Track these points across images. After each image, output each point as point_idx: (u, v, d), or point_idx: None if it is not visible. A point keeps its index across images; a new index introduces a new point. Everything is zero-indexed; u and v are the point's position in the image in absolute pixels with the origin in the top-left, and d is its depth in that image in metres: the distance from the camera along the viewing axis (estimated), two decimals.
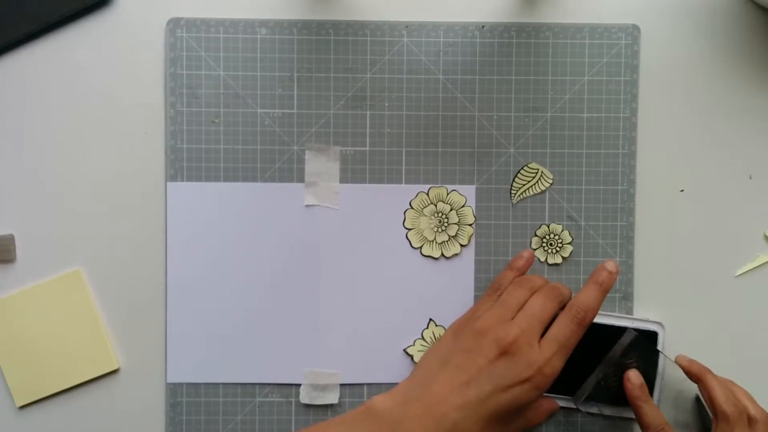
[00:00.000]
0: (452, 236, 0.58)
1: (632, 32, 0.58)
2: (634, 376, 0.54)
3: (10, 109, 0.57)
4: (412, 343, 0.58)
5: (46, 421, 0.58)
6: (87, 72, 0.58)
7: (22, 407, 0.57)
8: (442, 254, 0.58)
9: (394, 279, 0.58)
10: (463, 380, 0.49)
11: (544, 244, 0.58)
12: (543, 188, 0.58)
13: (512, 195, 0.58)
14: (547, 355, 0.49)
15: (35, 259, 0.57)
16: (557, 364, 0.50)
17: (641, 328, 0.57)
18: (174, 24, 0.57)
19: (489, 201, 0.58)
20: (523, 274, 0.56)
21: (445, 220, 0.58)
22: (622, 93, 0.58)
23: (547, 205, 0.58)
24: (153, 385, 0.58)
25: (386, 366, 0.58)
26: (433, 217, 0.58)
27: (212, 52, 0.57)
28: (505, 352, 0.49)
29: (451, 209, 0.58)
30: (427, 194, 0.58)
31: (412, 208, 0.58)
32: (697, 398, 0.57)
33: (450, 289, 0.58)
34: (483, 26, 0.58)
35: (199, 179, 0.57)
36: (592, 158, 0.58)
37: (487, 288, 0.56)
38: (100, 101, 0.58)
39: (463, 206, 0.58)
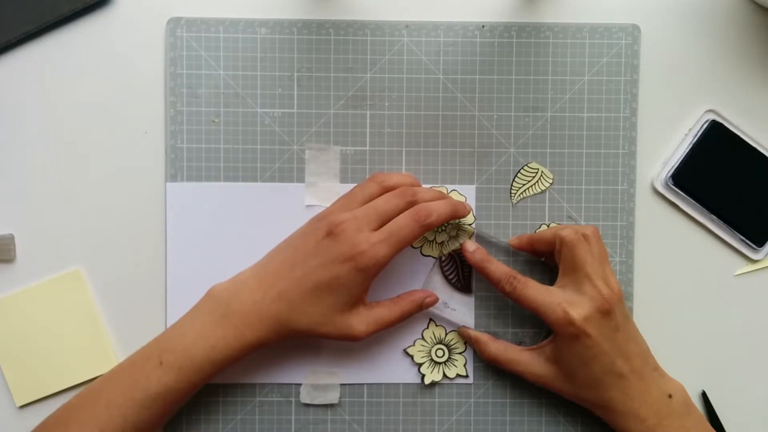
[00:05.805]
0: (452, 236, 0.58)
1: (632, 32, 0.58)
2: (470, 245, 0.56)
3: (10, 108, 0.57)
4: (412, 344, 0.58)
5: None
6: (87, 71, 0.58)
7: (22, 407, 0.57)
8: (442, 253, 0.58)
9: (393, 278, 0.57)
10: (295, 258, 0.53)
11: None
12: (543, 188, 0.58)
13: (512, 195, 0.58)
14: (374, 240, 0.52)
15: (35, 259, 0.57)
16: (382, 251, 0.51)
17: None
18: (174, 24, 0.57)
19: (489, 201, 0.58)
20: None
21: None
22: (622, 93, 0.58)
23: (547, 204, 0.58)
24: None
25: (386, 366, 0.58)
26: None
27: (212, 51, 0.57)
28: (331, 232, 0.52)
29: None
30: None
31: None
32: None
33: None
34: (483, 26, 0.58)
35: (199, 179, 0.57)
36: (592, 158, 0.58)
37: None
38: (100, 101, 0.58)
39: None
